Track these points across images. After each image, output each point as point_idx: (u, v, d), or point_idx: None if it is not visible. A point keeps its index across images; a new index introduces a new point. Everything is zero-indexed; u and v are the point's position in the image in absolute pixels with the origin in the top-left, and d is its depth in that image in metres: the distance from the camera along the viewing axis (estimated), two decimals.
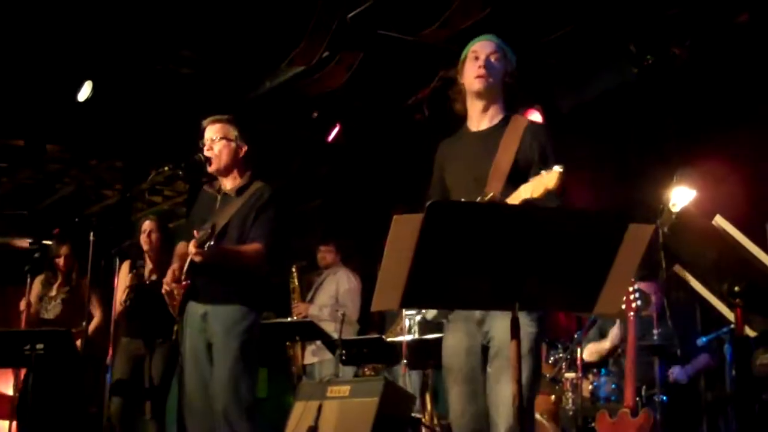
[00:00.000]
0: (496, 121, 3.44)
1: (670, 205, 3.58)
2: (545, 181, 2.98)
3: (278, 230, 4.32)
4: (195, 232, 4.07)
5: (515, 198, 3.07)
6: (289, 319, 6.92)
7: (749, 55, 6.18)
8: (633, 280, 4.82)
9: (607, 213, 2.82)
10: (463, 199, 3.30)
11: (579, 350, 5.14)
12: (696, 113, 6.57)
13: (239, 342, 4.15)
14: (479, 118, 3.47)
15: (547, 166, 3.16)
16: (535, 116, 7.31)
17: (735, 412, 5.04)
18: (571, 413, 4.96)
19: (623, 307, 4.69)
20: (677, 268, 3.34)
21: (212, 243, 4.00)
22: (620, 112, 7.12)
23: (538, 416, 5.05)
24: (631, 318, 4.67)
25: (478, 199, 3.24)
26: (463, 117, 3.54)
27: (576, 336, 5.34)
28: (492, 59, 3.41)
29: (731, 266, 2.93)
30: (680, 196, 3.79)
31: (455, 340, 3.42)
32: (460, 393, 3.38)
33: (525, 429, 3.15)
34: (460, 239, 2.61)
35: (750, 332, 3.17)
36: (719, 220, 2.89)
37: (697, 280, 3.24)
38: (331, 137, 7.90)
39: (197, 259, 4.05)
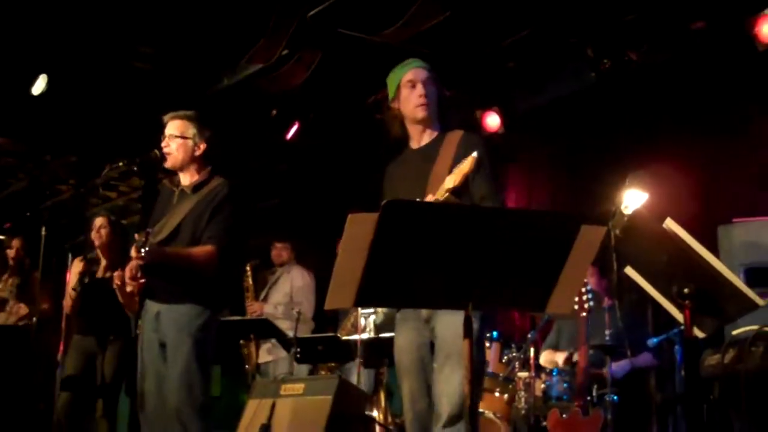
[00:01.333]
0: (434, 136, 3.67)
1: (622, 207, 3.63)
2: (462, 167, 3.21)
3: (233, 229, 4.30)
4: (136, 235, 4.05)
5: (441, 189, 3.28)
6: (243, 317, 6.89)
7: (703, 61, 6.29)
8: (586, 281, 4.89)
9: (560, 214, 2.86)
10: None
11: (532, 350, 5.19)
12: (649, 117, 6.67)
13: (192, 341, 4.12)
14: (419, 138, 3.70)
15: (481, 170, 3.43)
16: (493, 118, 7.38)
17: (684, 412, 5.12)
18: (523, 412, 5.00)
19: (576, 307, 4.75)
20: (628, 270, 3.39)
21: (147, 249, 3.97)
22: (576, 115, 7.20)
23: (491, 415, 5.09)
24: (584, 318, 4.73)
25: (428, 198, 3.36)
26: (400, 140, 3.76)
27: (529, 336, 5.39)
28: (428, 87, 3.63)
29: (681, 268, 2.99)
30: (632, 198, 3.85)
31: (405, 338, 3.57)
32: (410, 389, 3.52)
33: (471, 424, 3.21)
34: (415, 238, 2.62)
35: (699, 333, 3.22)
36: (670, 223, 2.94)
37: (648, 282, 3.30)
38: (289, 135, 7.88)
39: (140, 262, 4.04)
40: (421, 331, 3.52)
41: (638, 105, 6.73)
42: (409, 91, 3.64)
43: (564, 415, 4.48)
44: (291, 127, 7.85)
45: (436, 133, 3.68)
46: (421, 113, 3.63)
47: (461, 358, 3.25)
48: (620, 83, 6.60)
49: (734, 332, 2.66)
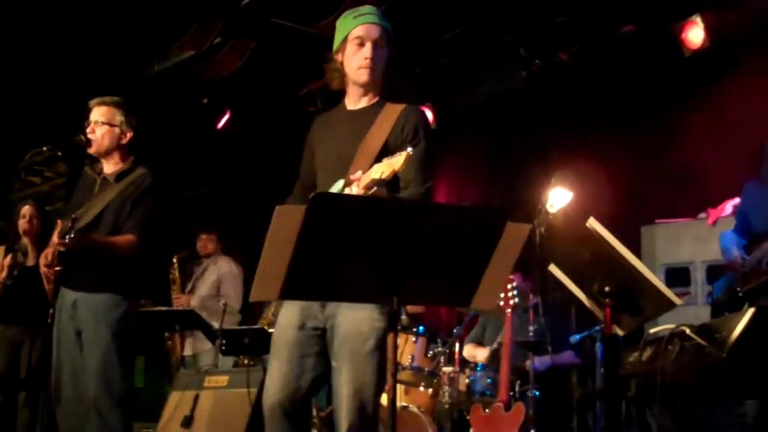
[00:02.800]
0: (373, 101, 3.35)
1: (548, 206, 3.68)
2: (393, 162, 2.92)
3: (155, 221, 4.26)
4: (59, 221, 3.96)
5: (366, 178, 2.99)
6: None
7: (631, 64, 6.42)
8: (511, 277, 4.95)
9: (486, 210, 2.88)
10: (325, 179, 3.22)
11: (457, 345, 5.23)
12: (578, 117, 6.78)
13: (111, 331, 4.07)
14: (357, 98, 3.37)
15: (416, 149, 3.10)
16: (426, 113, 7.41)
17: (603, 408, 5.23)
18: (447, 406, 5.03)
19: (501, 303, 4.81)
20: (552, 268, 3.44)
21: (72, 235, 3.89)
22: (508, 113, 7.30)
23: (414, 409, 5.12)
24: (509, 315, 4.79)
25: (342, 184, 3.13)
26: (338, 93, 3.43)
27: (455, 331, 5.43)
28: (378, 48, 3.26)
29: (602, 267, 3.04)
30: (557, 197, 3.90)
31: (289, 317, 3.27)
32: (279, 371, 3.21)
33: (369, 429, 3.12)
34: (342, 232, 2.61)
35: (618, 331, 3.29)
36: (592, 223, 2.99)
37: (571, 280, 3.35)
38: (220, 125, 7.80)
39: (61, 249, 3.95)
40: (311, 314, 3.23)
41: (567, 105, 6.84)
42: (356, 49, 3.26)
43: (486, 410, 4.52)
44: (222, 116, 7.78)
45: (376, 98, 3.34)
46: (363, 77, 3.27)
47: (366, 360, 3.12)
48: (551, 83, 6.71)
49: (651, 330, 2.72)
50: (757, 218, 4.20)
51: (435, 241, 2.67)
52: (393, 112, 3.25)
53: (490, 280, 2.78)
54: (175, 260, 7.09)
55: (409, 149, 2.94)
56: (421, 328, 5.59)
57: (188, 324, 6.25)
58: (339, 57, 3.32)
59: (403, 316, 5.61)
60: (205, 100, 7.58)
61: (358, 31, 3.26)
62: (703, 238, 5.27)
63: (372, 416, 3.15)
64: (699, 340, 2.28)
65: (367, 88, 3.34)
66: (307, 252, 2.59)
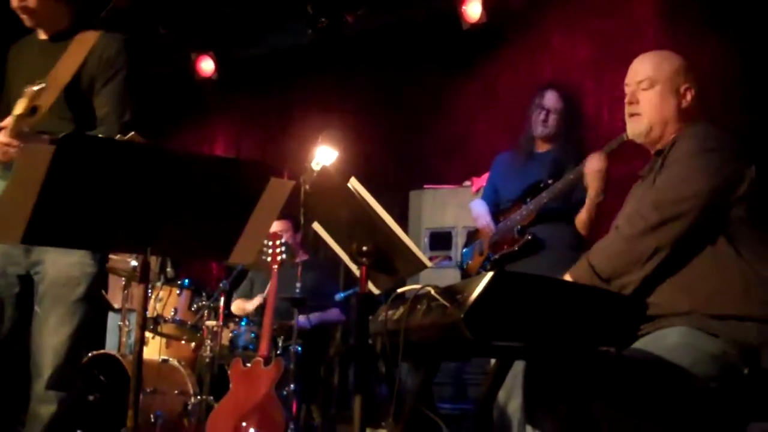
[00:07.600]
0: (65, 29, 3.22)
1: (313, 163, 3.70)
2: (29, 91, 2.86)
3: None
4: None
5: (10, 121, 2.90)
6: None
7: (411, 31, 6.58)
8: (280, 233, 4.96)
9: (249, 163, 2.87)
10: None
11: (223, 299, 5.18)
12: (357, 79, 6.86)
13: None
14: (45, 28, 3.25)
15: (113, 80, 3.13)
16: (208, 62, 7.26)
17: (355, 363, 5.38)
18: (208, 360, 4.99)
19: (268, 259, 4.80)
20: (316, 225, 3.46)
21: None
22: (290, 69, 7.26)
23: (175, 363, 5.05)
24: (275, 270, 4.79)
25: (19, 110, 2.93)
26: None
27: (221, 285, 5.37)
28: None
29: (361, 227, 3.09)
30: (323, 155, 3.93)
31: None
32: None
33: (70, 377, 3.09)
34: (94, 177, 2.50)
35: (374, 290, 3.38)
36: (354, 183, 3.03)
37: (332, 238, 3.39)
38: None
39: None
40: (14, 258, 3.13)
41: (348, 66, 6.90)
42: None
43: (247, 364, 4.53)
44: None
45: (68, 26, 3.21)
46: (28, 23, 3.19)
47: (76, 306, 3.08)
48: (335, 43, 6.74)
49: (399, 290, 2.81)
50: (506, 188, 4.44)
51: (194, 191, 2.62)
52: (86, 40, 3.13)
53: (250, 235, 2.78)
54: None
55: (43, 84, 2.86)
56: (186, 281, 5.49)
57: None
58: None
59: (169, 269, 5.50)
60: None
61: None
62: (466, 204, 5.48)
63: (76, 363, 3.13)
64: (442, 300, 2.37)
65: (51, 19, 3.20)
66: (53, 195, 2.46)
